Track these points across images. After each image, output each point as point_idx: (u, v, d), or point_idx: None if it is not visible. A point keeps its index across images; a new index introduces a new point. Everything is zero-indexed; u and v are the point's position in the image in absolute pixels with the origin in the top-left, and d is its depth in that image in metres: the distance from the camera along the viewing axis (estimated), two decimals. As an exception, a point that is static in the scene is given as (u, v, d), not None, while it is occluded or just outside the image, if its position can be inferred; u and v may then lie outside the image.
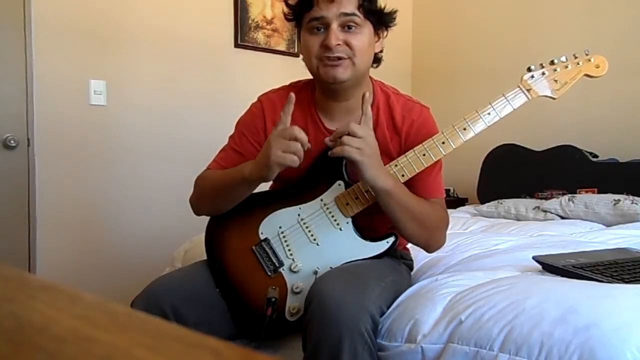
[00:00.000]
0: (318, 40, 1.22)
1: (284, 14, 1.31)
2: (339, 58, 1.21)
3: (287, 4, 1.29)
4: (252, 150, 1.32)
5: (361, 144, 1.12)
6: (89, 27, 2.49)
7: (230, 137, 1.37)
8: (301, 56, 1.31)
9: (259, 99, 1.37)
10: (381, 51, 1.32)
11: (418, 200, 1.23)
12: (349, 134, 1.12)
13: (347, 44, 1.21)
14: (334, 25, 1.20)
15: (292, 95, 1.19)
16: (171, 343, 0.31)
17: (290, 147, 1.11)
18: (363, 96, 1.23)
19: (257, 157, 1.18)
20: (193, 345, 0.30)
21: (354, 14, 1.20)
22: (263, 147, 1.17)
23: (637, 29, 2.96)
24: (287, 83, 1.40)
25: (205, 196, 1.32)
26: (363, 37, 1.22)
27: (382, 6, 1.27)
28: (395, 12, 1.29)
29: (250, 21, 3.05)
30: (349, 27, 1.21)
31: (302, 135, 1.13)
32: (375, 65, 1.32)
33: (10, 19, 2.30)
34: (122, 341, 0.30)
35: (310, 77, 1.32)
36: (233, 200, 1.28)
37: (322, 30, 1.21)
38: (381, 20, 1.27)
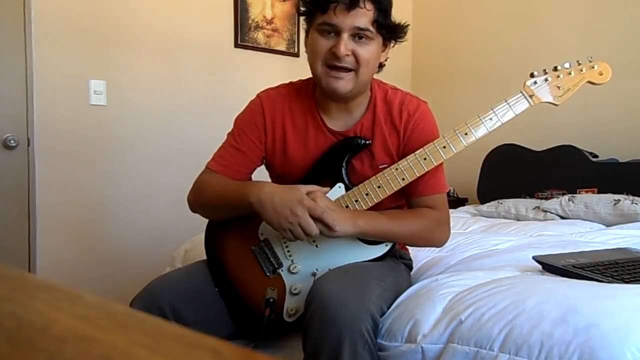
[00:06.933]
0: (327, 44, 1.20)
1: (297, 8, 1.30)
2: (345, 69, 1.21)
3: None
4: (253, 147, 1.32)
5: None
6: (89, 27, 2.48)
7: (229, 134, 1.36)
8: (303, 49, 1.30)
9: (258, 95, 1.36)
10: (386, 59, 1.31)
11: (401, 219, 1.25)
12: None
13: (355, 55, 1.20)
14: (345, 35, 1.18)
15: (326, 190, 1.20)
16: (171, 343, 0.31)
17: (295, 229, 1.11)
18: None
19: (269, 199, 1.13)
20: (193, 345, 0.30)
21: (367, 29, 1.19)
22: (277, 198, 1.13)
23: (638, 30, 2.96)
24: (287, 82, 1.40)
25: (204, 204, 1.32)
26: (371, 49, 1.22)
27: (395, 20, 1.25)
28: (407, 25, 1.27)
29: (250, 21, 3.05)
30: (360, 38, 1.20)
31: (314, 232, 1.12)
32: (377, 70, 1.32)
33: (10, 19, 2.30)
34: (121, 341, 0.30)
35: (311, 75, 1.31)
36: (231, 215, 1.29)
37: (333, 35, 1.20)
38: (393, 35, 1.27)
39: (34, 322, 0.33)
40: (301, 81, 1.37)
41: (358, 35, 1.19)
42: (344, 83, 1.21)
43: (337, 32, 1.19)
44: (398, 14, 1.26)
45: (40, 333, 0.31)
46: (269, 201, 1.13)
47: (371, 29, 1.19)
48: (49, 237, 2.39)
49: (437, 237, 1.30)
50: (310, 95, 1.33)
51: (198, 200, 1.32)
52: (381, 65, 1.31)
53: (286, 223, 1.11)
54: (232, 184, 1.27)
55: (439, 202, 1.29)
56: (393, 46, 1.31)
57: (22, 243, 2.35)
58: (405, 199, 1.32)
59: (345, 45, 1.18)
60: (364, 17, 1.17)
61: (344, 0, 1.16)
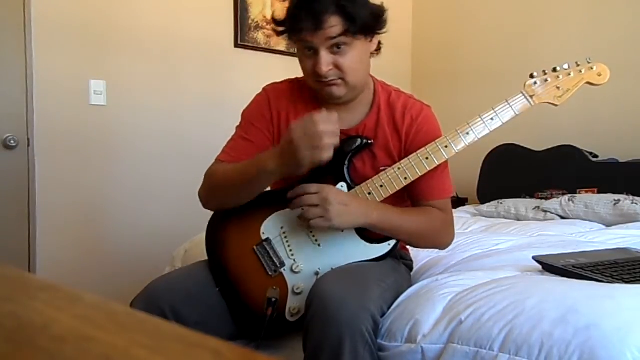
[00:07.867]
0: (311, 63, 1.21)
1: (274, 30, 1.27)
2: (332, 80, 1.21)
3: (275, 22, 1.26)
4: (262, 137, 1.31)
5: (322, 205, 1.13)
6: (89, 27, 2.48)
7: (238, 127, 1.36)
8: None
9: (264, 89, 1.37)
10: (379, 44, 1.29)
11: (410, 215, 1.25)
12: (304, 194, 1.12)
13: (337, 66, 1.19)
14: (323, 52, 1.18)
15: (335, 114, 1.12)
16: (171, 343, 0.31)
17: (315, 141, 1.07)
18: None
19: (281, 154, 1.12)
20: (193, 345, 0.30)
21: (340, 36, 1.17)
22: (285, 145, 1.11)
23: (638, 30, 2.96)
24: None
25: (218, 189, 1.28)
26: (353, 54, 1.20)
27: (372, 11, 1.20)
28: (384, 12, 1.23)
29: (250, 21, 3.05)
30: (338, 47, 1.18)
31: (325, 127, 1.07)
32: (376, 53, 1.30)
33: (10, 19, 2.30)
34: (121, 341, 0.30)
35: None
36: (249, 195, 1.25)
37: (313, 52, 1.20)
38: (371, 31, 1.23)
39: (34, 322, 0.33)
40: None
41: (336, 45, 1.18)
42: (337, 88, 1.23)
43: (314, 50, 1.19)
44: (398, 14, 1.25)
45: (40, 333, 0.31)
46: (291, 157, 1.10)
47: (345, 39, 1.18)
48: (49, 237, 2.39)
49: (442, 238, 1.31)
50: (314, 93, 1.33)
51: (211, 189, 1.29)
52: (378, 49, 1.30)
53: (309, 153, 1.08)
54: (244, 163, 1.24)
55: (444, 206, 1.30)
56: (385, 31, 1.27)
57: (22, 243, 2.34)
58: (411, 202, 1.32)
59: (325, 62, 1.18)
60: (333, 29, 1.16)
61: (307, 25, 1.15)
